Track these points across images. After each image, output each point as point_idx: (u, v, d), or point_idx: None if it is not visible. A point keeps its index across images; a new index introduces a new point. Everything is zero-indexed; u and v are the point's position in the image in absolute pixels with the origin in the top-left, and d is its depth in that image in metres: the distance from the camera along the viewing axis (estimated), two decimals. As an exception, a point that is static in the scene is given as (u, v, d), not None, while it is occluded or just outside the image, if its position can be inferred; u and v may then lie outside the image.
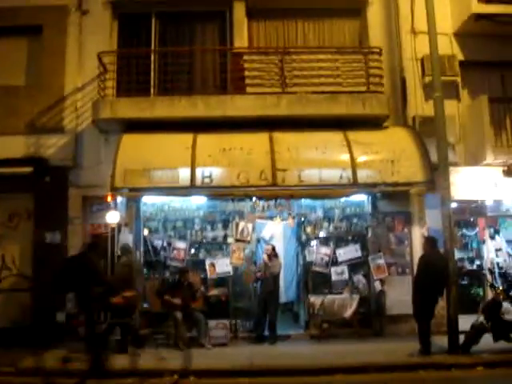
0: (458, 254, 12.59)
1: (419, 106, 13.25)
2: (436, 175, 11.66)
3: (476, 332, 10.52)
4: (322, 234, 13.50)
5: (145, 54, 13.33)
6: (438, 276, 10.55)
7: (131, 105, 12.29)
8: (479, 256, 13.76)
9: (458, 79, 13.39)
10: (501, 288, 11.18)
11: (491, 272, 12.62)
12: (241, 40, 13.40)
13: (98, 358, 9.73)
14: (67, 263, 10.81)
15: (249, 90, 12.71)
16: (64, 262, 11.04)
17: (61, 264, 10.89)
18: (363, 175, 11.86)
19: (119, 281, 11.16)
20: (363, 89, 12.65)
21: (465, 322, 10.83)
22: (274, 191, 11.90)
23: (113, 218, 12.30)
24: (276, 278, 12.63)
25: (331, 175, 11.86)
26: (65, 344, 11.87)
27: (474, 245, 14.04)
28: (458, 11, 13.39)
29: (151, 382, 9.57)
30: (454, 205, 11.81)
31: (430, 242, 11.06)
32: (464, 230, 13.93)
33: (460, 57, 13.45)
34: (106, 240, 12.54)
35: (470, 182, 12.64)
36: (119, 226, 12.68)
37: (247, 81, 12.79)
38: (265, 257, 12.64)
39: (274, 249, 12.80)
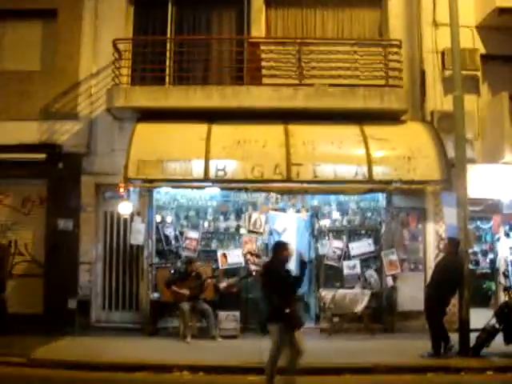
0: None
1: (438, 100, 13.00)
2: (453, 173, 11.46)
3: (487, 335, 10.43)
4: (335, 228, 13.42)
5: (160, 41, 13.08)
6: (457, 279, 10.50)
7: (146, 94, 12.17)
8: (493, 249, 13.66)
9: (479, 74, 13.12)
10: (515, 292, 11.06)
11: (505, 275, 12.44)
12: (258, 29, 13.16)
13: None
14: None
15: (265, 80, 12.55)
16: None
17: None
18: (379, 172, 11.73)
19: None
20: (381, 82, 12.42)
21: (476, 317, 10.76)
22: (288, 187, 11.84)
23: (125, 208, 12.26)
24: None
25: (346, 171, 11.73)
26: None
27: (488, 238, 13.91)
28: (481, 4, 13.10)
29: (161, 376, 9.63)
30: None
31: (453, 243, 10.86)
32: (478, 223, 13.78)
33: (482, 50, 13.15)
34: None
35: (487, 180, 12.32)
36: (132, 214, 12.68)
37: (264, 71, 12.63)
38: (253, 267, 12.62)
39: (252, 253, 12.83)
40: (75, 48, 13.17)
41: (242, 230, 13.23)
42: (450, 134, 11.65)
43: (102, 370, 9.81)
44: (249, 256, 12.74)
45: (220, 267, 12.89)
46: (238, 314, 12.30)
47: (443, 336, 10.54)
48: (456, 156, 11.19)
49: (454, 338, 10.68)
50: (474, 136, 12.87)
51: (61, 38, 13.19)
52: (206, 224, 13.41)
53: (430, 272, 12.43)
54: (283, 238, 13.28)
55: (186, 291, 11.92)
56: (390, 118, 12.43)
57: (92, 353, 10.66)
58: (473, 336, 10.57)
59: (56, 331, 11.86)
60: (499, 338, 10.41)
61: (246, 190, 11.97)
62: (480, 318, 10.80)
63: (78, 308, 12.70)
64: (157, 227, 13.14)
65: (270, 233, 13.37)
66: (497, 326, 10.44)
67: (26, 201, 13.35)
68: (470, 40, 13.09)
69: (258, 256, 12.70)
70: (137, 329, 12.46)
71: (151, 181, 11.91)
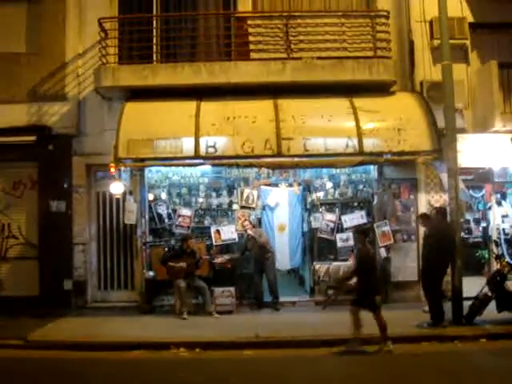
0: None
1: (427, 70, 12.90)
2: (443, 143, 11.44)
3: (480, 303, 10.52)
4: (327, 201, 13.48)
5: (146, 19, 12.92)
6: (448, 248, 10.56)
7: (133, 72, 12.09)
8: (485, 218, 13.72)
9: (468, 42, 13.00)
10: (506, 260, 11.14)
11: (497, 244, 12.49)
12: (245, 3, 13.04)
13: None
14: None
15: (253, 55, 12.47)
16: None
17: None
18: (369, 144, 11.69)
19: None
20: (370, 54, 12.35)
21: (469, 286, 10.88)
22: (279, 161, 11.79)
23: (117, 188, 12.23)
24: (263, 247, 12.61)
25: (337, 144, 11.68)
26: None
27: (481, 207, 13.95)
28: (469, -29, 13.00)
29: (158, 354, 9.67)
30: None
31: (441, 212, 10.95)
32: (470, 192, 13.82)
33: (470, 19, 13.01)
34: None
35: (478, 149, 12.30)
36: (124, 194, 12.67)
37: (251, 46, 12.53)
38: (250, 232, 12.60)
39: (251, 222, 12.87)
40: (61, 29, 13.05)
41: (235, 206, 13.30)
42: (440, 104, 11.68)
43: (99, 349, 9.86)
44: (246, 223, 12.75)
45: (214, 244, 12.94)
46: (233, 289, 12.39)
47: (440, 307, 10.61)
48: (446, 126, 11.22)
49: (447, 306, 10.79)
50: (464, 105, 12.85)
51: (46, 18, 13.08)
52: (198, 201, 13.47)
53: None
54: (276, 213, 13.42)
55: (183, 264, 11.94)
56: (379, 89, 12.39)
57: (89, 333, 10.69)
58: (466, 304, 10.68)
59: (52, 312, 11.90)
60: (492, 306, 10.52)
61: (237, 165, 11.91)
62: (473, 286, 10.91)
63: (73, 289, 12.79)
64: (149, 206, 13.18)
65: (263, 208, 13.45)
66: (489, 293, 10.55)
67: (17, 184, 13.32)
68: (458, 8, 12.94)
69: (254, 226, 12.75)
70: (133, 307, 12.52)
71: (142, 160, 11.87)
